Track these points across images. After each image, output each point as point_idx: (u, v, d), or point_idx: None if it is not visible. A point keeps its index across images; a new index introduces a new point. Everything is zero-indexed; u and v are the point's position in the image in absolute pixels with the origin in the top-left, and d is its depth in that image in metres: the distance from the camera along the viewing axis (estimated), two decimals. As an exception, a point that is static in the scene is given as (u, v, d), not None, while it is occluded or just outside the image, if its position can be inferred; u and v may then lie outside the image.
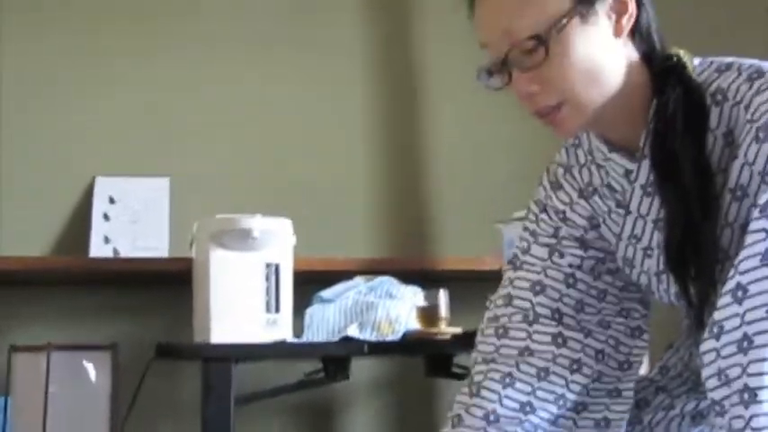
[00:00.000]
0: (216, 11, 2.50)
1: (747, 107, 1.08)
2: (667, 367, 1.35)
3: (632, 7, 1.12)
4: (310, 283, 2.13)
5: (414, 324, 2.06)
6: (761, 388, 0.99)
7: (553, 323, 1.25)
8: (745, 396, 1.00)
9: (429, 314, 2.05)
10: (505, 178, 2.53)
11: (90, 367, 2.14)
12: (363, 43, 2.59)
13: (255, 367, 2.22)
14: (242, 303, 1.96)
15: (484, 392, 1.24)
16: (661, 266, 1.19)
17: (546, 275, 1.27)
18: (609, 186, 1.23)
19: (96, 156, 2.37)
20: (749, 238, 1.03)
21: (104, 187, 2.34)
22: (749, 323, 1.01)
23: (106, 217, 2.33)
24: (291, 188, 2.45)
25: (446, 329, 2.04)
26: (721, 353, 1.02)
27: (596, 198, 1.26)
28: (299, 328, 2.06)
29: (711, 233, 1.10)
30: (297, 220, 2.08)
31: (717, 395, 1.03)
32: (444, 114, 2.61)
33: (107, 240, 2.31)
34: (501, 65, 1.12)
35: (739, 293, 1.01)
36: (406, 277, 2.18)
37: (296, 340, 2.02)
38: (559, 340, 1.25)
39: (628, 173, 1.19)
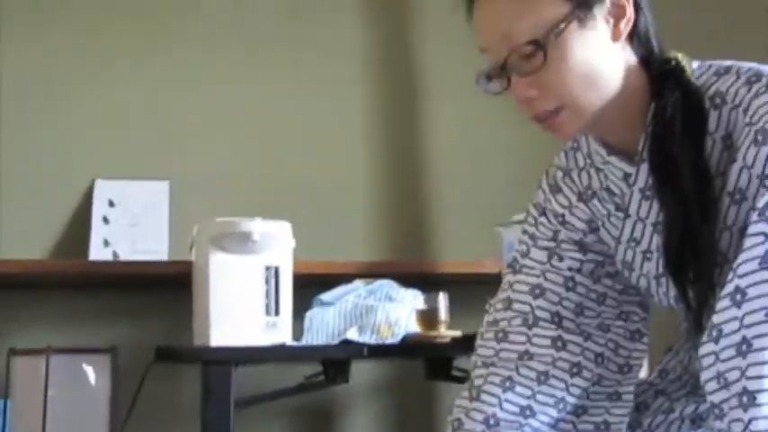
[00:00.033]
0: (216, 11, 2.50)
1: (746, 110, 1.08)
2: (667, 370, 1.35)
3: (630, 11, 1.12)
4: (310, 287, 2.14)
5: (413, 327, 2.06)
6: (760, 391, 0.99)
7: (553, 326, 1.25)
8: (744, 399, 1.00)
9: (429, 317, 2.05)
10: (505, 181, 2.53)
11: (89, 370, 2.14)
12: (363, 44, 2.59)
13: (255, 370, 2.22)
14: (242, 306, 1.96)
15: (484, 396, 1.24)
16: (660, 269, 1.19)
17: (545, 279, 1.27)
18: (608, 189, 1.23)
19: (96, 159, 2.37)
20: (748, 242, 1.03)
21: (104, 190, 2.34)
22: (748, 326, 1.01)
23: (106, 220, 2.33)
24: (291, 191, 2.45)
25: (446, 332, 2.04)
26: (720, 356, 1.02)
27: (595, 201, 1.26)
28: (298, 331, 2.06)
29: (710, 237, 1.10)
30: (296, 222, 2.08)
31: (716, 398, 1.03)
32: (444, 117, 2.61)
33: (107, 243, 2.31)
34: (500, 69, 1.12)
35: (738, 297, 1.02)
36: (406, 280, 2.18)
37: (296, 343, 2.02)
38: (559, 344, 1.25)
39: (627, 176, 1.19)
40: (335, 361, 2.05)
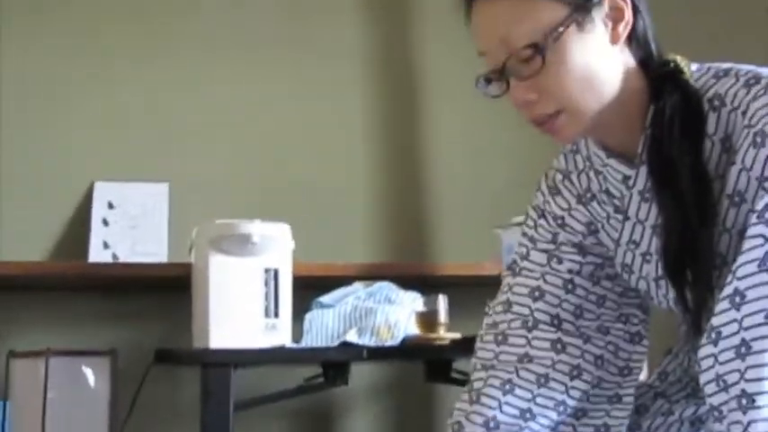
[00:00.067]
0: (216, 12, 2.50)
1: (745, 113, 1.09)
2: (666, 373, 1.35)
3: (628, 14, 1.12)
4: (309, 289, 2.13)
5: (413, 329, 2.06)
6: (759, 393, 0.99)
7: (552, 329, 1.25)
8: (744, 401, 1.00)
9: (428, 319, 2.05)
10: (504, 183, 2.53)
11: (89, 373, 2.14)
12: (363, 44, 2.59)
13: (255, 372, 2.22)
14: (241, 309, 1.96)
15: (484, 399, 1.23)
16: (660, 272, 1.19)
17: (545, 281, 1.27)
18: (607, 192, 1.24)
19: (95, 160, 2.37)
20: (747, 244, 1.03)
21: (103, 192, 2.35)
22: (747, 329, 1.01)
23: (105, 222, 2.33)
24: (290, 193, 2.45)
25: (445, 335, 2.04)
26: (719, 358, 1.02)
27: (594, 204, 1.26)
28: (298, 333, 2.06)
29: (709, 239, 1.10)
30: (296, 224, 2.08)
31: (715, 401, 1.03)
32: (444, 117, 2.61)
33: (106, 246, 2.31)
34: (499, 73, 1.12)
35: (737, 299, 1.02)
36: (405, 283, 2.18)
37: (295, 345, 2.02)
38: (558, 346, 1.25)
39: (626, 179, 1.19)
40: (335, 363, 2.05)
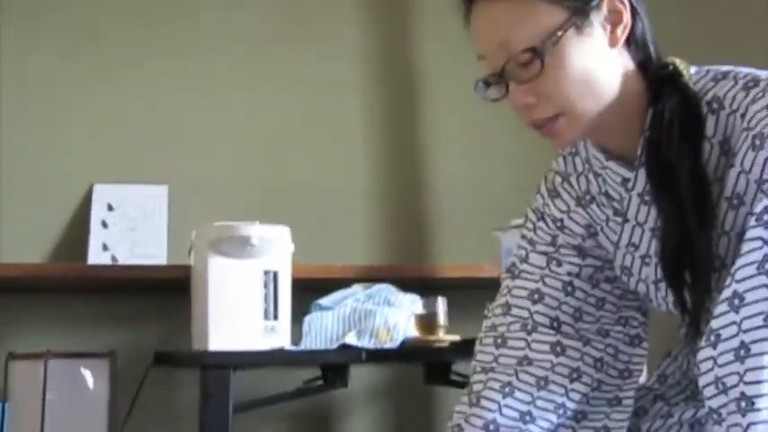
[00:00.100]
0: (216, 12, 2.50)
1: (743, 115, 1.09)
2: (665, 375, 1.35)
3: (627, 17, 1.13)
4: (309, 291, 2.13)
5: (412, 332, 2.06)
6: (758, 396, 0.99)
7: (551, 332, 1.25)
8: (743, 404, 1.00)
9: (427, 322, 2.05)
10: (504, 185, 2.53)
11: (88, 375, 2.14)
12: (363, 44, 2.59)
13: (254, 375, 2.21)
14: (240, 311, 1.96)
15: (483, 402, 1.23)
16: (659, 275, 1.20)
17: (544, 284, 1.27)
18: (606, 194, 1.24)
19: (95, 162, 2.37)
20: (745, 247, 1.03)
21: (103, 194, 2.34)
22: (746, 331, 1.01)
23: (104, 224, 2.33)
24: (290, 195, 2.45)
25: (444, 337, 2.04)
26: (718, 361, 1.02)
27: (594, 206, 1.26)
28: (297, 335, 2.06)
29: (707, 242, 1.10)
30: (295, 225, 2.08)
31: (714, 403, 1.03)
32: (444, 118, 2.61)
33: (105, 248, 2.31)
34: (498, 77, 1.12)
35: (736, 302, 1.02)
36: (405, 285, 2.18)
37: (294, 348, 2.02)
38: (558, 349, 1.25)
39: (625, 181, 1.19)
40: (334, 365, 2.04)
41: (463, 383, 1.35)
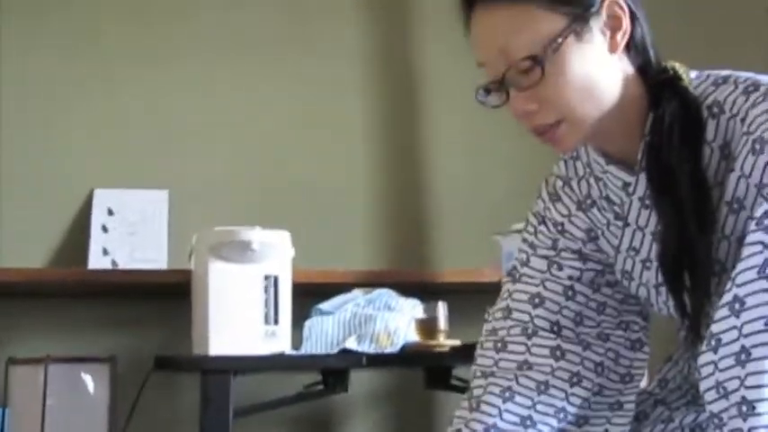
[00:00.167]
0: (216, 13, 2.50)
1: (743, 120, 1.09)
2: (666, 380, 1.35)
3: (626, 23, 1.13)
4: (309, 296, 2.13)
5: (412, 336, 2.06)
6: (759, 400, 0.99)
7: (552, 336, 1.25)
8: (744, 409, 1.00)
9: (428, 326, 2.05)
10: (504, 190, 2.53)
11: (88, 379, 2.14)
12: (363, 44, 2.59)
13: (254, 379, 2.21)
14: (241, 315, 1.96)
15: (484, 407, 1.23)
16: (660, 279, 1.19)
17: (545, 288, 1.27)
18: (607, 199, 1.24)
19: (95, 167, 2.37)
20: (746, 251, 1.03)
21: (103, 199, 2.35)
22: (747, 336, 1.00)
23: (105, 229, 2.33)
24: (290, 198, 2.45)
25: (445, 342, 2.04)
26: (719, 365, 1.02)
27: (595, 210, 1.26)
28: (297, 340, 2.06)
29: (707, 246, 1.10)
30: (295, 225, 2.08)
31: (715, 408, 1.03)
32: (444, 120, 2.61)
33: (106, 252, 2.31)
34: (498, 84, 1.12)
35: (736, 306, 1.01)
36: (405, 289, 2.18)
37: (295, 352, 2.02)
38: (558, 353, 1.25)
39: (626, 185, 1.19)
40: (334, 370, 2.04)
41: (464, 388, 1.35)
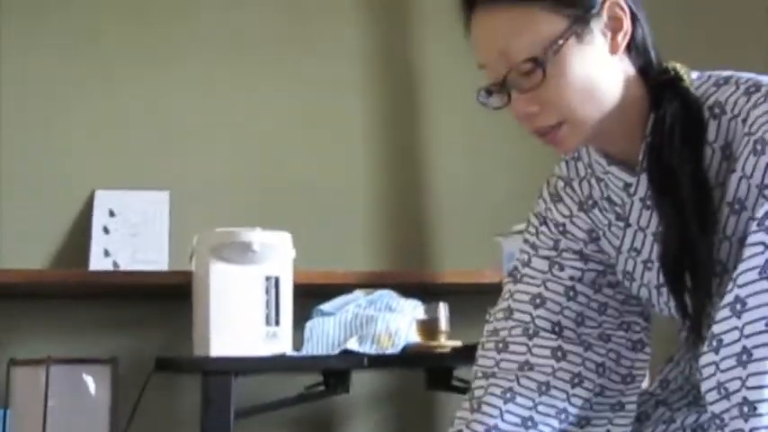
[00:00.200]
0: (216, 13, 2.50)
1: (745, 120, 1.09)
2: (667, 380, 1.35)
3: (627, 24, 1.13)
4: (310, 297, 2.13)
5: (414, 337, 2.06)
6: (760, 401, 0.99)
7: (553, 336, 1.25)
8: (745, 409, 1.00)
9: (429, 327, 2.05)
10: (505, 191, 2.53)
11: (89, 381, 2.14)
12: (363, 44, 2.59)
13: (255, 380, 2.21)
14: (242, 316, 1.96)
15: (485, 408, 1.23)
16: (661, 279, 1.19)
17: (546, 288, 1.27)
18: (609, 199, 1.24)
19: (96, 168, 2.37)
20: (747, 252, 1.03)
21: (104, 200, 2.35)
22: (748, 336, 1.00)
23: (106, 230, 2.33)
24: (290, 194, 2.46)
25: (446, 343, 2.04)
26: (721, 366, 1.02)
27: (596, 211, 1.26)
28: (298, 341, 2.06)
29: (709, 247, 1.10)
30: (296, 226, 2.08)
31: (716, 408, 1.03)
32: (444, 120, 2.61)
33: (107, 253, 2.31)
34: (500, 86, 1.12)
35: (738, 307, 1.01)
36: (406, 290, 2.18)
37: (296, 353, 2.02)
38: (559, 354, 1.25)
39: (627, 186, 1.19)
40: (336, 371, 2.05)
41: (465, 389, 1.35)
